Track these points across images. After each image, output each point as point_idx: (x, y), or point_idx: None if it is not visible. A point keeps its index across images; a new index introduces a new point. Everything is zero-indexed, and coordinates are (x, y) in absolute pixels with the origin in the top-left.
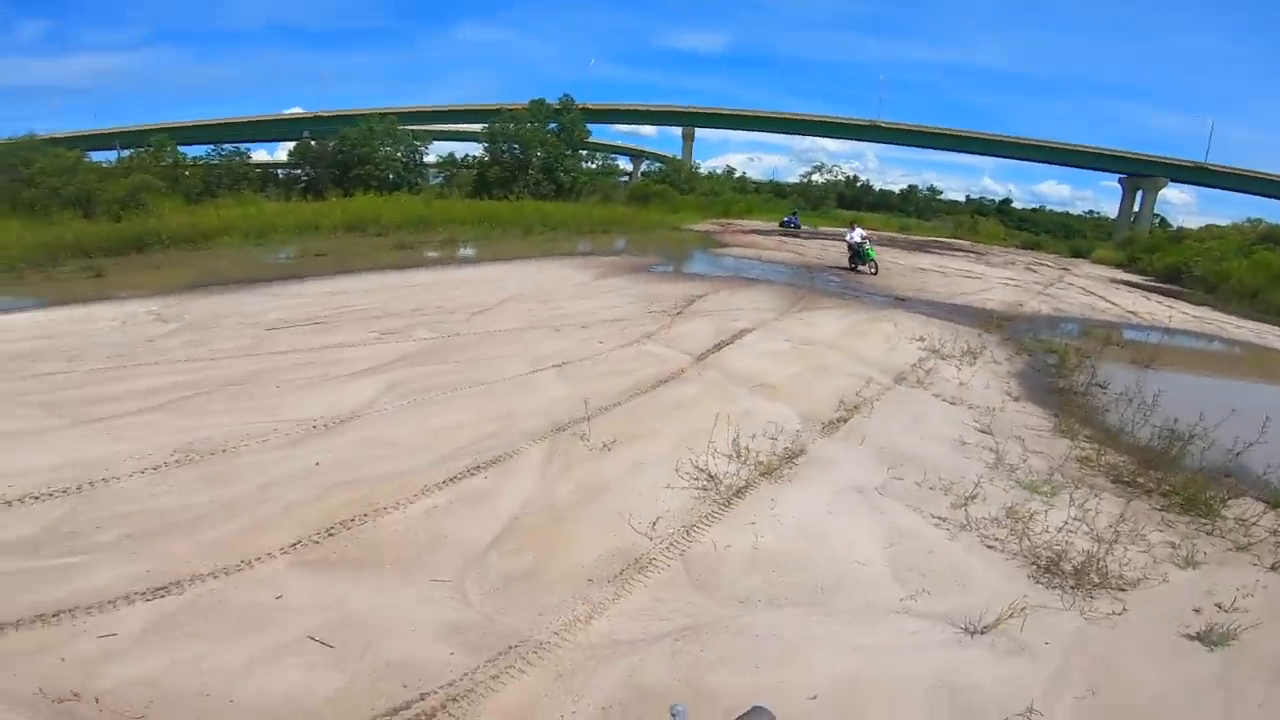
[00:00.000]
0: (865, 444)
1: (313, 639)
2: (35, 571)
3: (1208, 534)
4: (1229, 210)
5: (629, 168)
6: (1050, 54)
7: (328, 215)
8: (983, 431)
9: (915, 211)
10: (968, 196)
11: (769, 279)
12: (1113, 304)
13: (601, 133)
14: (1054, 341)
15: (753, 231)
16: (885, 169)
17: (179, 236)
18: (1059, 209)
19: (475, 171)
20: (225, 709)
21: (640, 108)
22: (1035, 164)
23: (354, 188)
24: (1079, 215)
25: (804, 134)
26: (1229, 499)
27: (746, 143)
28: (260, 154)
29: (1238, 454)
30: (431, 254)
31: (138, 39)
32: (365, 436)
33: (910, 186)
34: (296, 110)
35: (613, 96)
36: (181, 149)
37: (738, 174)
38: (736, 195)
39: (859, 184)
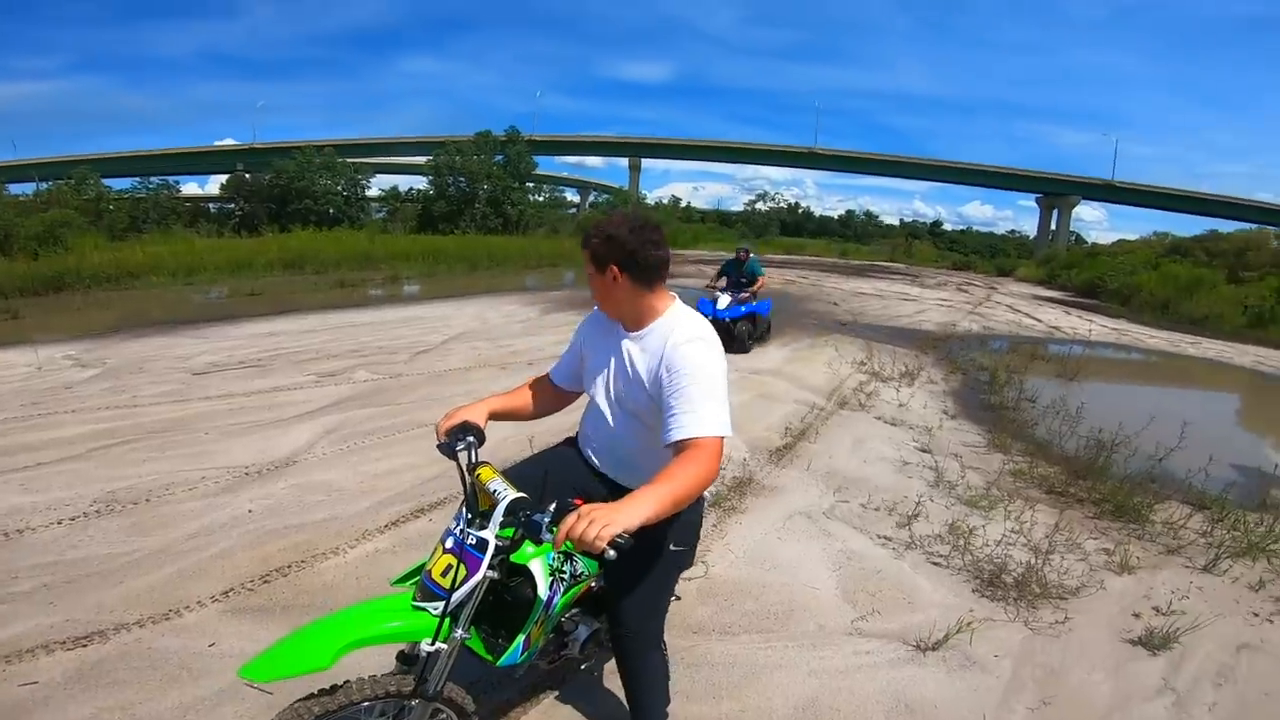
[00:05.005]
0: (811, 469)
1: (250, 685)
2: None
3: (1139, 539)
4: (1138, 224)
5: (576, 199)
6: (968, 77)
7: (262, 252)
8: (923, 450)
9: (854, 236)
10: (901, 220)
11: None
12: (1037, 320)
13: (548, 164)
14: (985, 359)
15: (698, 261)
16: (824, 195)
17: (101, 275)
18: (984, 229)
19: (420, 205)
20: None
21: (586, 139)
22: (960, 185)
23: (292, 223)
24: (1003, 234)
25: (746, 162)
26: (1156, 504)
27: (691, 172)
28: (190, 187)
29: (1160, 459)
30: (374, 292)
31: (61, 66)
32: (302, 482)
33: (848, 212)
34: (229, 142)
35: (559, 127)
36: (106, 182)
37: (683, 203)
38: (683, 225)
39: (800, 211)
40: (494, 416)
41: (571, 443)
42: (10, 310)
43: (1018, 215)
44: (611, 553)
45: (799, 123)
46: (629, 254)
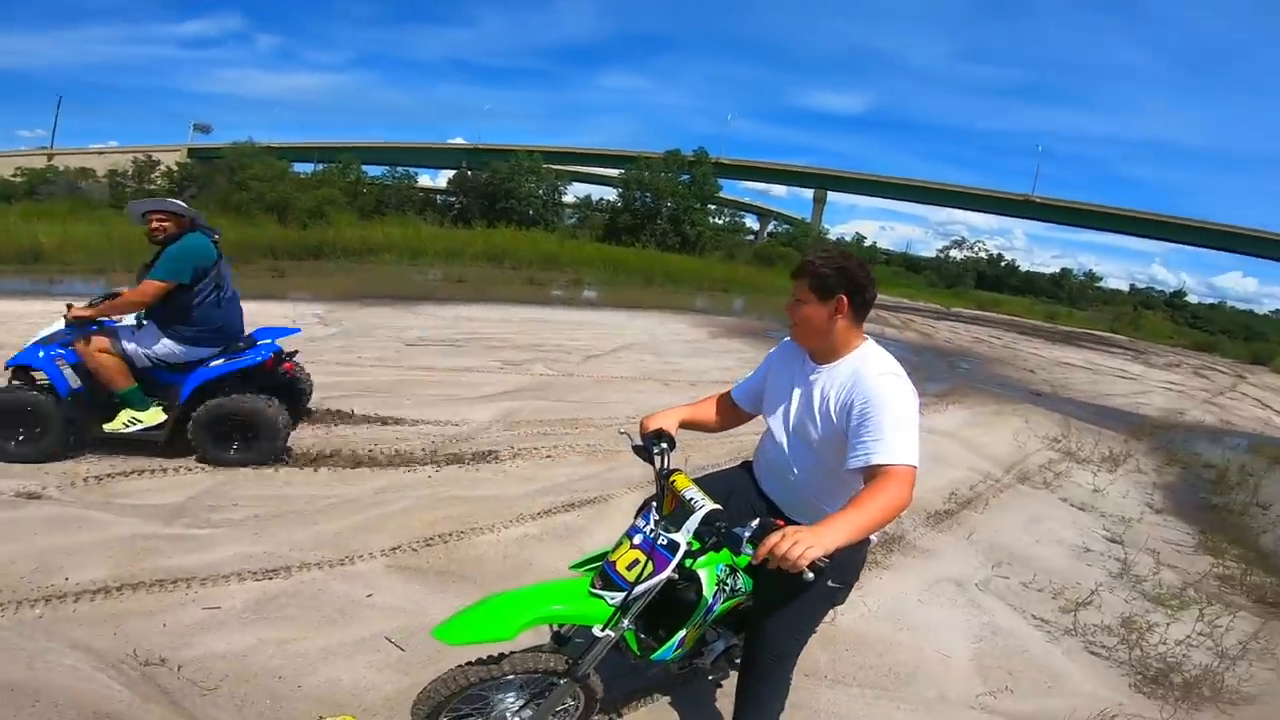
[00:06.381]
0: (972, 539)
1: (388, 640)
2: (168, 538)
3: None
4: None
5: (756, 226)
6: (1239, 129)
7: (471, 244)
8: (1112, 540)
9: (1068, 298)
10: (1132, 285)
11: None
12: None
13: (731, 188)
14: (1213, 455)
15: (879, 306)
16: (1035, 249)
17: (349, 249)
18: (1242, 305)
19: (607, 216)
20: (292, 693)
21: (772, 166)
22: (1218, 251)
23: (498, 219)
24: (1267, 314)
25: (946, 205)
26: None
27: (879, 210)
28: (424, 179)
29: None
30: (557, 292)
31: (341, 61)
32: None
33: (1063, 270)
34: (459, 140)
35: (746, 152)
36: (364, 167)
37: (868, 242)
38: None
39: (1003, 263)
40: (683, 425)
41: (749, 467)
42: (279, 270)
43: None
44: (810, 574)
45: (1008, 166)
46: (859, 288)
